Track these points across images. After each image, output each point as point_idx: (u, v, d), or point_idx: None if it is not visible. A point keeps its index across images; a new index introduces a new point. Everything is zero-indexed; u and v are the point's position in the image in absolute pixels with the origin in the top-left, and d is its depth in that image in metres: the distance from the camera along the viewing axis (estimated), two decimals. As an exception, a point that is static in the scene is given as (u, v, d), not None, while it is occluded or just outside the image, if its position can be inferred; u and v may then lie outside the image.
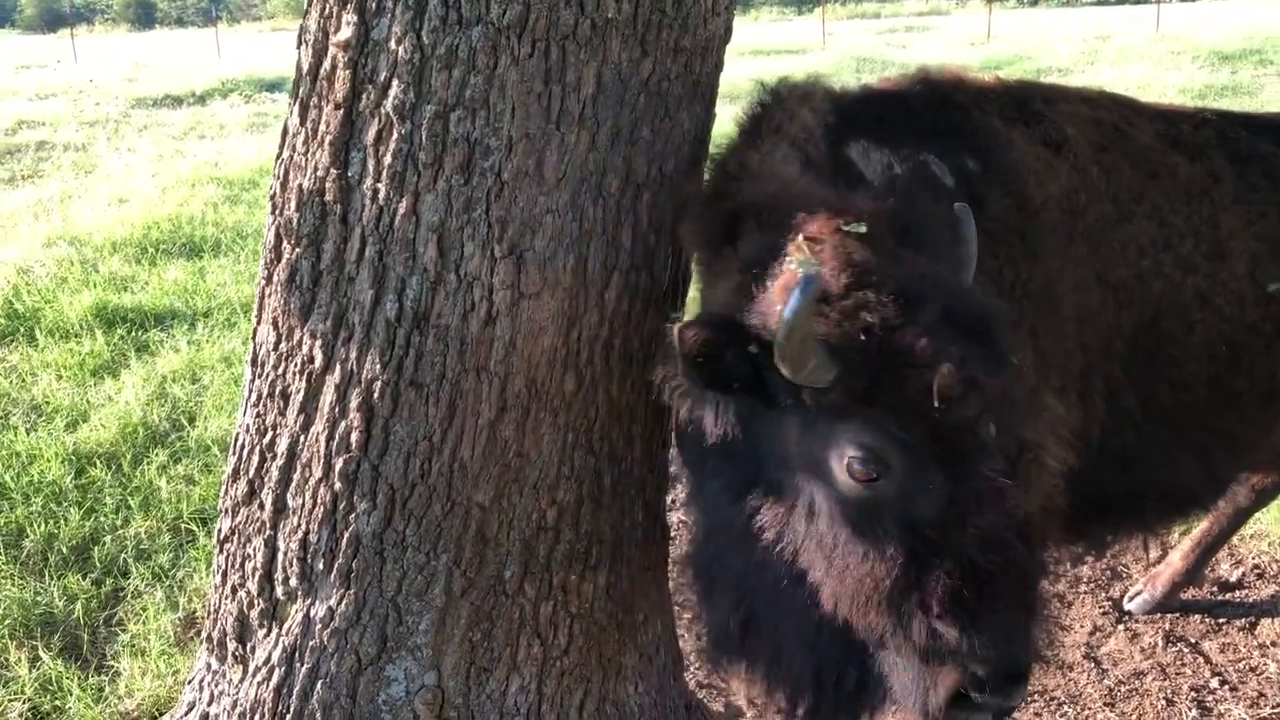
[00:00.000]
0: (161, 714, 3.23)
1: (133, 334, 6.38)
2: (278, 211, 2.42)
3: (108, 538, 4.22)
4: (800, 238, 2.03)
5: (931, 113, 2.60)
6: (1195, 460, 2.90)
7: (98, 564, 4.08)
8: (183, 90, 18.55)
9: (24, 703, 3.34)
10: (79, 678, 3.45)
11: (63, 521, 4.29)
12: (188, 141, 13.99)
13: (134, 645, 3.62)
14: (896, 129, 2.51)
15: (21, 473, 4.64)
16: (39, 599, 3.82)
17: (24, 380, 5.71)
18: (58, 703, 3.35)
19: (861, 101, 2.60)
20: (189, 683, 2.94)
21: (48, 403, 5.40)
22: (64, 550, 4.14)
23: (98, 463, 4.77)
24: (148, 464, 4.79)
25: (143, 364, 5.90)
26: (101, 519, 4.35)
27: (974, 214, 2.25)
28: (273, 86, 19.35)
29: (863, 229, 2.07)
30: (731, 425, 2.05)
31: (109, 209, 9.42)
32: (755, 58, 21.91)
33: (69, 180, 11.19)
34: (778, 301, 1.97)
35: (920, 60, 19.49)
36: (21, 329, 6.39)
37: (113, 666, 3.55)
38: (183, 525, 4.32)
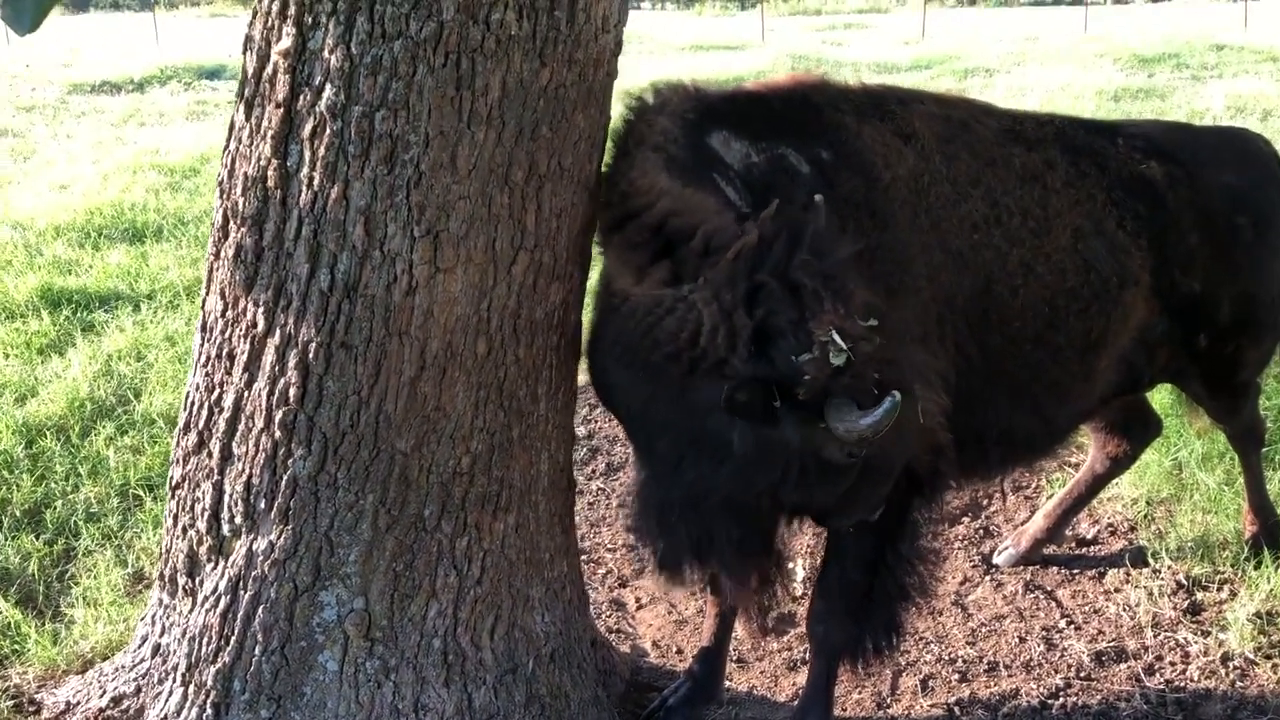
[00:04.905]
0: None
1: (78, 314, 6.58)
2: (225, 196, 2.76)
3: (59, 502, 4.49)
4: (833, 335, 2.41)
5: (791, 111, 2.99)
6: (1028, 405, 3.35)
7: (49, 526, 4.34)
8: (121, 77, 18.36)
9: (-16, 646, 3.63)
10: (36, 625, 3.74)
11: (15, 487, 4.55)
12: (127, 129, 14.00)
13: (87, 597, 3.90)
14: (757, 124, 2.90)
15: (-27, 443, 4.89)
16: (-6, 557, 4.10)
17: (-29, 358, 5.91)
18: (16, 646, 3.64)
19: (726, 99, 2.98)
20: (142, 619, 3.26)
21: (-4, 378, 5.62)
22: (17, 513, 4.40)
23: (47, 434, 5.02)
24: (95, 435, 5.05)
25: (89, 343, 6.12)
26: (52, 485, 4.61)
27: (827, 194, 2.68)
28: (212, 74, 19.19)
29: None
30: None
31: (50, 195, 9.54)
32: (695, 53, 22.29)
33: (7, 166, 11.25)
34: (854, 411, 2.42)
35: (854, 59, 20.04)
36: (-33, 310, 6.58)
37: (67, 615, 3.82)
38: (130, 491, 4.59)
